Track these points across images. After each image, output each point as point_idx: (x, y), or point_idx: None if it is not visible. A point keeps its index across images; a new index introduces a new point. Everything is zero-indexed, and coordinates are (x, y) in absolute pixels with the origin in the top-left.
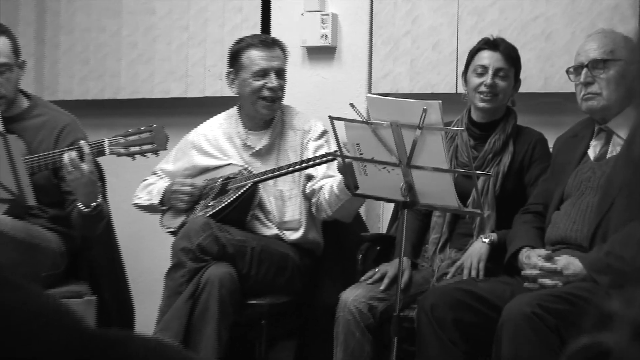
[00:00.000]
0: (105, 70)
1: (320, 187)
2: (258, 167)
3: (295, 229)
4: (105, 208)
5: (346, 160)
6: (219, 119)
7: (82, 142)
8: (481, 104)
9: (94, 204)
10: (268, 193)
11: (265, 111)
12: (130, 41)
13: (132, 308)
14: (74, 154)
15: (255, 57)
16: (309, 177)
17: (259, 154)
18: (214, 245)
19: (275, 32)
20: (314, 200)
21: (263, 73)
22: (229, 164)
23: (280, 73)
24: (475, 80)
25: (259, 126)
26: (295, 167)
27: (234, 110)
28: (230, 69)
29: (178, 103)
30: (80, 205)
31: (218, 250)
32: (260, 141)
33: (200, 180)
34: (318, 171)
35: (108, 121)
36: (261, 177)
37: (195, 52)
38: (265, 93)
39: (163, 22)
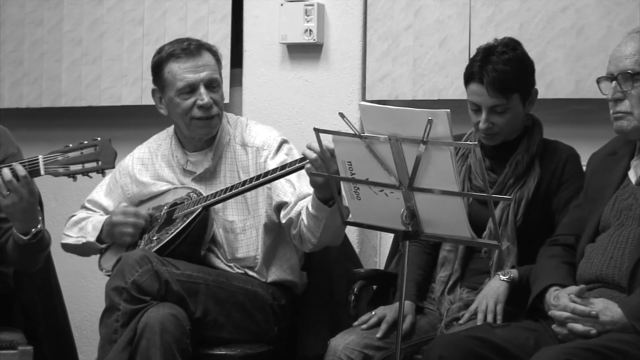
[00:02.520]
0: (42, 72)
1: (299, 214)
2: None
3: (251, 268)
4: (47, 235)
5: (314, 158)
6: (158, 139)
7: (13, 163)
8: (484, 142)
9: (34, 230)
10: (217, 223)
11: (202, 131)
12: (73, 37)
13: None
14: (9, 173)
15: (178, 71)
16: (280, 206)
17: (202, 179)
18: (153, 283)
19: (249, 26)
20: (294, 232)
21: (190, 89)
22: (174, 188)
23: (212, 84)
24: (472, 116)
25: (198, 146)
26: (253, 183)
27: (170, 130)
28: (154, 87)
29: (131, 112)
30: (16, 232)
31: (159, 289)
32: (202, 164)
33: (144, 210)
34: (288, 195)
35: (46, 134)
36: (212, 200)
37: (151, 50)
38: (197, 113)
39: (112, 15)
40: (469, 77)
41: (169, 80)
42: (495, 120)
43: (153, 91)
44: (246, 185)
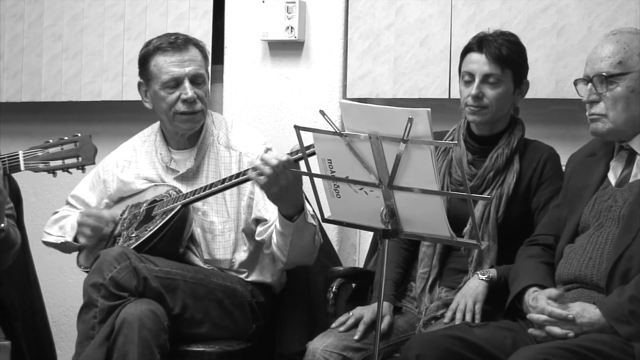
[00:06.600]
0: (22, 67)
1: (271, 235)
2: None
3: (227, 270)
4: (13, 234)
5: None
6: (143, 136)
7: None
8: (470, 117)
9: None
10: (195, 222)
11: (185, 126)
12: (53, 32)
13: (54, 356)
14: None
15: (164, 64)
16: (258, 221)
17: (184, 178)
18: (131, 279)
19: (230, 23)
20: (267, 252)
21: (175, 83)
22: (154, 185)
23: (197, 80)
24: (463, 90)
25: (183, 144)
26: (233, 181)
27: (156, 126)
28: (140, 80)
29: (112, 107)
30: None
31: (137, 285)
32: (185, 163)
33: (117, 209)
34: (269, 213)
35: (25, 129)
36: (192, 197)
37: (132, 46)
38: (181, 107)
39: (93, 10)
40: (468, 49)
41: (155, 73)
42: (485, 92)
43: (139, 84)
44: (226, 183)
